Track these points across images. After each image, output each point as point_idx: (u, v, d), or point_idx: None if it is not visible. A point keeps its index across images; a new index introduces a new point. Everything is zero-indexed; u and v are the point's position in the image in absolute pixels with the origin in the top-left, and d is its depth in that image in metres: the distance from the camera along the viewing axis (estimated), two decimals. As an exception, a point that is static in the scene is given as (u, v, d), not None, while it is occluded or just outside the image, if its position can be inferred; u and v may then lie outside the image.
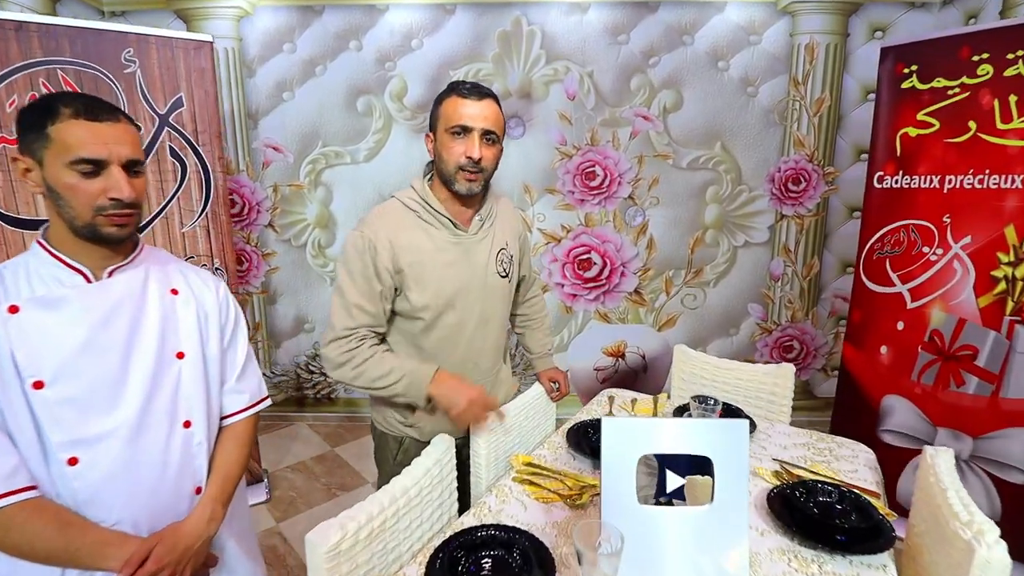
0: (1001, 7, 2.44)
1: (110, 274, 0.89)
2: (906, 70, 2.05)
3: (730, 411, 1.51)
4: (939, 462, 1.06)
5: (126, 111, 1.01)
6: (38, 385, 0.80)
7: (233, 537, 1.05)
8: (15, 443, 0.80)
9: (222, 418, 1.04)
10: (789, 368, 1.68)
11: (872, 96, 2.78)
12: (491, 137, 1.18)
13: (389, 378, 1.16)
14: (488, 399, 1.22)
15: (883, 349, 2.18)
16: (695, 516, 0.86)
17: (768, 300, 3.06)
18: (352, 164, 2.92)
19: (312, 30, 2.78)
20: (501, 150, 1.24)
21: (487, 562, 0.91)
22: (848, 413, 2.33)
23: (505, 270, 1.33)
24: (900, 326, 2.12)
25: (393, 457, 1.34)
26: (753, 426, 1.45)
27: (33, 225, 1.82)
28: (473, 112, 1.15)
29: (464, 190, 1.19)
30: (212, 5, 2.72)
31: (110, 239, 0.85)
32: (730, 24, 2.75)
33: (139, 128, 0.92)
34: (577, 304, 3.08)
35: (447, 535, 0.99)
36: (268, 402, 1.13)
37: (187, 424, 0.94)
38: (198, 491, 0.96)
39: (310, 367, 3.17)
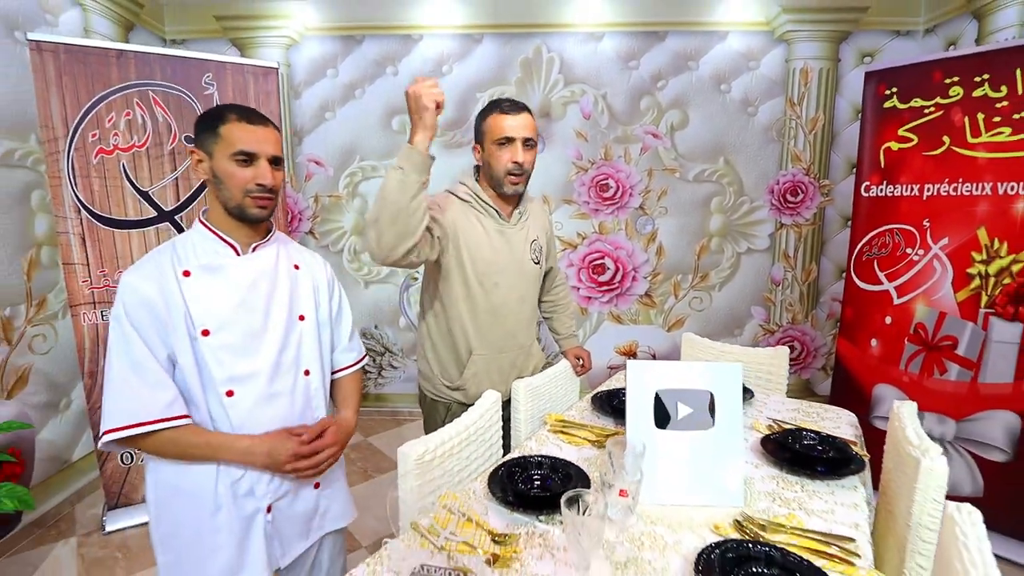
0: (977, 35, 2.71)
1: (254, 249, 1.12)
2: (887, 91, 2.31)
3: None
4: (903, 411, 1.28)
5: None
6: (205, 333, 1.02)
7: (337, 467, 1.23)
8: (185, 379, 1.02)
9: (340, 370, 1.28)
10: (784, 351, 1.91)
11: (862, 115, 3.05)
12: (530, 143, 1.44)
13: (391, 170, 1.21)
14: (429, 80, 1.21)
15: (873, 342, 2.39)
16: (700, 437, 1.08)
17: (770, 303, 3.29)
18: (386, 177, 3.20)
19: (353, 57, 3.09)
20: (536, 151, 1.50)
21: (537, 479, 1.14)
22: (843, 403, 2.52)
23: (536, 258, 1.59)
24: (888, 320, 2.33)
25: (442, 421, 1.56)
26: (752, 395, 1.68)
27: (120, 224, 2.09)
28: (514, 124, 1.41)
29: (511, 191, 1.46)
30: (264, 34, 3.04)
31: (253, 218, 1.08)
32: (731, 51, 3.03)
33: (280, 134, 1.13)
34: (592, 306, 3.32)
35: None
36: (367, 359, 1.40)
37: (307, 373, 1.16)
38: None
39: (343, 364, 3.40)
